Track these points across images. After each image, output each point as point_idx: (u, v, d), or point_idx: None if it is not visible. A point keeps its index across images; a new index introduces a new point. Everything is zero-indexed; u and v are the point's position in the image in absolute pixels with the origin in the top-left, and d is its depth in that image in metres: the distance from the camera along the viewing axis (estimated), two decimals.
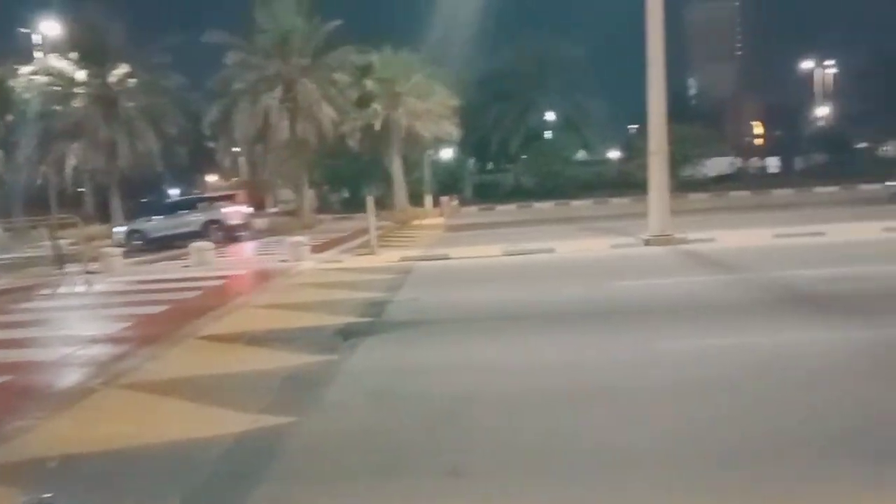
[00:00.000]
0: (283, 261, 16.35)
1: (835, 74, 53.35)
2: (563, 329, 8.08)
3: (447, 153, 46.23)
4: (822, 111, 52.68)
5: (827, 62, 53.68)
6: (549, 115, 48.90)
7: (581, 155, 51.11)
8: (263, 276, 14.51)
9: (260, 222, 29.04)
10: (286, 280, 13.76)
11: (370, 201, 18.14)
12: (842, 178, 36.52)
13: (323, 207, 41.27)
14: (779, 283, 10.15)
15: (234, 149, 37.08)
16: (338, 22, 33.30)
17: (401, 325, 8.81)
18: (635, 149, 35.79)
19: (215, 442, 5.04)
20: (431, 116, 35.66)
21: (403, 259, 15.69)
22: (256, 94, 32.30)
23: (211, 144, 37.87)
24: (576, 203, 37.32)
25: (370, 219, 17.87)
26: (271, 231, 28.10)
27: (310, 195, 36.87)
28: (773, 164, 51.76)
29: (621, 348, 7.05)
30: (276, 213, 35.85)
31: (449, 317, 9.29)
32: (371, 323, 8.95)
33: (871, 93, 48.20)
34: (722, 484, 4.04)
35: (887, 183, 26.76)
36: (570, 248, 15.70)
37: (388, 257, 16.17)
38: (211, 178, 47.44)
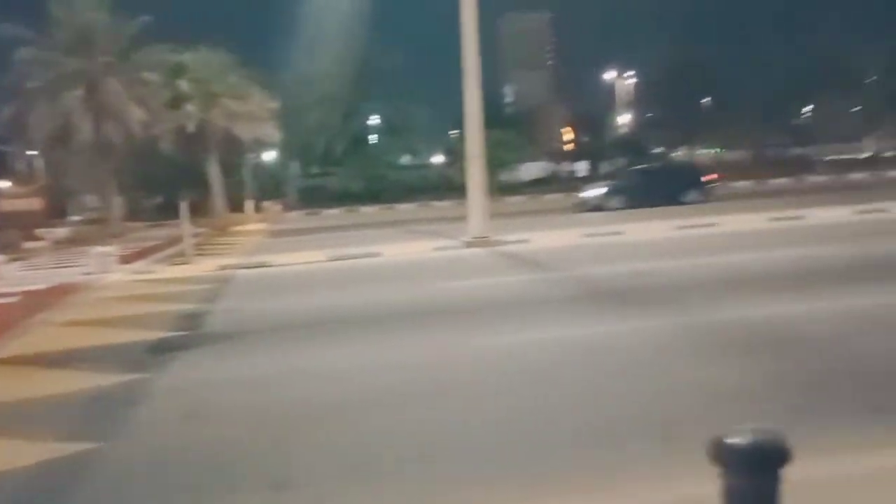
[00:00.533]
0: (87, 273, 15.10)
1: (635, 84, 58.17)
2: (387, 332, 8.15)
3: (269, 156, 45.04)
4: (624, 118, 57.19)
5: (627, 73, 58.41)
6: (374, 120, 49.17)
7: (406, 159, 51.81)
8: (64, 291, 13.32)
9: (60, 232, 26.64)
10: (91, 294, 12.74)
11: (184, 207, 17.23)
12: None
13: (134, 214, 38.58)
14: (587, 280, 10.91)
15: (30, 152, 33.68)
16: (146, 18, 31.31)
17: (220, 337, 8.46)
18: (456, 153, 36.84)
19: (6, 478, 4.55)
20: (250, 118, 34.53)
21: (222, 267, 15.07)
22: (55, 94, 29.58)
23: (4, 148, 34.16)
24: (401, 207, 37.77)
25: (184, 226, 16.99)
26: (74, 241, 25.87)
27: (118, 202, 34.36)
28: (582, 167, 55.43)
29: (445, 347, 7.24)
30: (79, 222, 33.03)
31: (272, 326, 9.05)
32: (187, 337, 8.51)
33: (665, 101, 53.20)
34: (540, 471, 4.25)
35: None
36: (396, 252, 15.88)
37: (206, 266, 15.46)
38: (3, 184, 42.82)
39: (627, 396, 5.46)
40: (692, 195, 24.28)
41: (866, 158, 45.48)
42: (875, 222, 15.90)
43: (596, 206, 24.23)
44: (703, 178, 25.98)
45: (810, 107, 49.82)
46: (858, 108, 47.78)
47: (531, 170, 49.40)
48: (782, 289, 9.07)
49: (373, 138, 49.63)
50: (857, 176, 36.06)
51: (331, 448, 4.81)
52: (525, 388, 5.82)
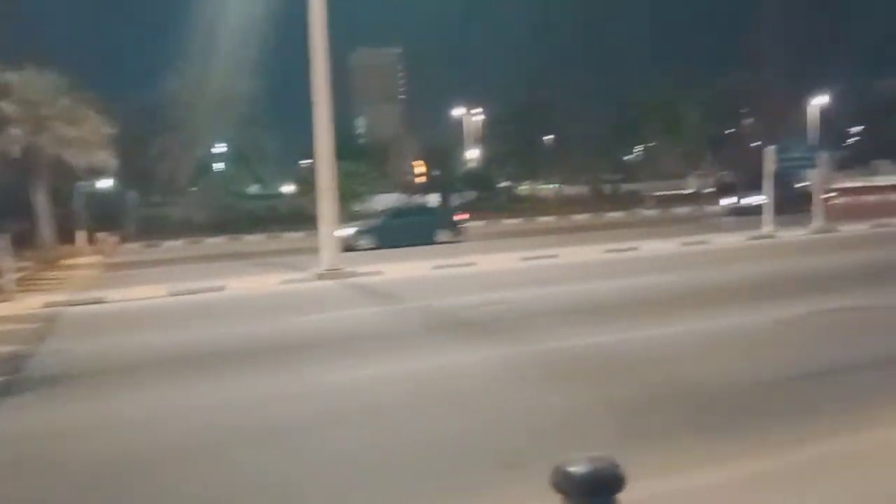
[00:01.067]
0: None
1: (482, 121, 60.30)
2: (228, 370, 7.83)
3: (105, 185, 42.27)
4: (472, 153, 59.01)
5: (475, 110, 60.48)
6: (221, 148, 47.58)
7: (254, 189, 50.41)
8: None
9: None
10: None
11: (4, 239, 15.76)
12: (488, 213, 41.20)
13: None
14: (437, 311, 11.06)
15: None
16: None
17: (45, 381, 7.74)
18: (308, 183, 36.35)
19: None
20: (83, 144, 32.30)
21: (49, 305, 13.88)
22: None
23: None
24: (249, 238, 36.62)
25: (4, 259, 15.54)
26: None
27: None
28: (433, 200, 56.52)
29: (289, 384, 7.05)
30: None
31: (104, 368, 8.40)
32: (6, 382, 7.73)
33: (510, 138, 55.63)
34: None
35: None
36: (241, 286, 15.34)
37: (30, 303, 14.18)
38: None
39: (473, 426, 5.55)
40: (443, 234, 24.55)
41: (689, 194, 49.67)
42: (697, 253, 17.37)
43: (348, 247, 22.99)
44: (455, 218, 26.45)
45: (640, 146, 53.79)
46: (681, 148, 52.24)
47: (384, 201, 49.74)
48: (618, 317, 9.64)
49: (219, 166, 47.98)
50: (681, 210, 39.24)
51: (162, 500, 4.51)
52: (372, 421, 5.77)
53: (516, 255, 17.97)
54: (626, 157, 55.16)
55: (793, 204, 23.91)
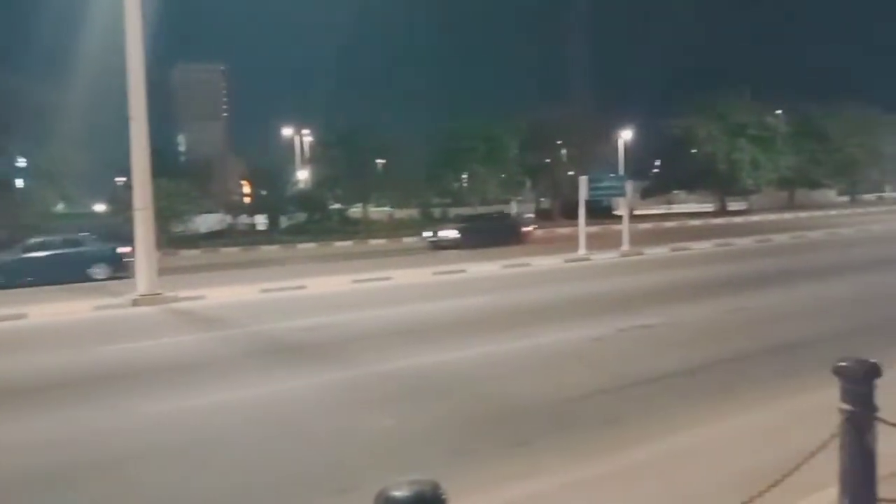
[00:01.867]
0: None
1: (311, 142, 59.64)
2: (36, 405, 7.12)
3: None
4: (302, 174, 58.17)
5: (304, 130, 59.74)
6: (21, 163, 43.37)
7: (60, 207, 46.38)
8: None
9: None
10: None
11: None
12: (319, 235, 40.74)
13: None
14: (264, 336, 10.74)
15: None
16: None
17: None
18: (122, 202, 34.01)
19: None
20: None
21: None
22: None
23: None
24: None
25: None
26: None
27: None
28: (261, 221, 54.96)
29: (104, 418, 6.54)
30: None
31: None
32: None
33: (340, 160, 55.52)
34: None
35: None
36: (46, 312, 14.02)
37: None
38: None
39: (305, 452, 5.46)
40: (105, 270, 21.96)
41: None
42: (519, 275, 18.22)
43: None
44: (118, 251, 22.74)
45: (465, 174, 55.68)
46: (504, 175, 54.80)
47: (208, 222, 47.64)
48: (444, 337, 9.88)
49: (19, 183, 43.67)
50: None
51: None
52: (202, 453, 5.51)
53: (347, 277, 17.89)
54: (454, 183, 56.87)
55: (502, 236, 27.73)
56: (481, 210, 43.00)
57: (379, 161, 54.02)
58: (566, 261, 20.98)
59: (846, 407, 2.98)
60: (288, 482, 4.89)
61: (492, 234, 28.70)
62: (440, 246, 28.60)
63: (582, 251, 22.23)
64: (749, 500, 2.91)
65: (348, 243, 36.24)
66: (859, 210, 52.16)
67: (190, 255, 34.22)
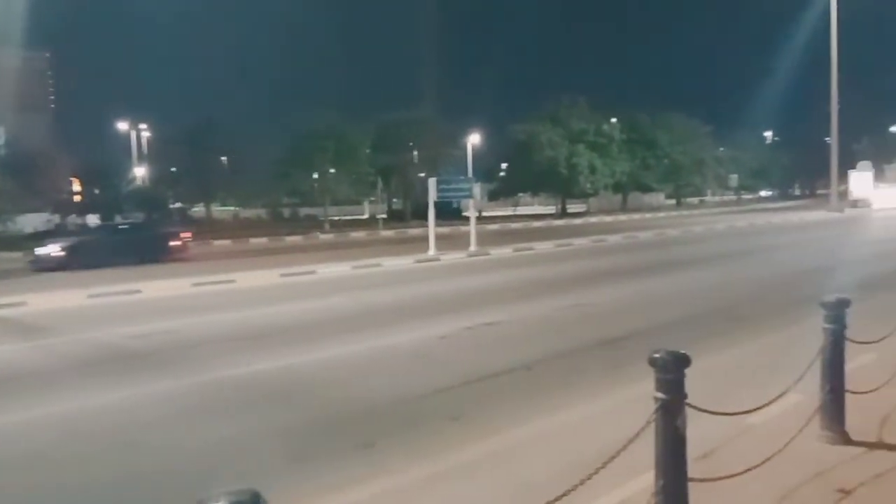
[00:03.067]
0: None
1: (148, 138, 56.39)
2: None
3: None
4: (139, 171, 54.90)
5: (142, 125, 56.37)
6: None
7: None
8: None
9: None
10: None
11: None
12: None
13: None
14: (93, 344, 10.02)
15: None
16: None
17: None
18: None
19: None
20: None
21: None
22: None
23: None
24: None
25: None
26: None
27: None
28: (93, 221, 51.29)
29: None
30: None
31: None
32: None
33: (181, 157, 52.95)
34: None
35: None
36: None
37: None
38: None
39: (141, 465, 5.15)
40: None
41: (366, 219, 52.15)
42: (371, 275, 18.20)
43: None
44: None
45: (316, 173, 54.87)
46: (355, 176, 54.53)
47: (33, 222, 43.74)
48: (290, 341, 9.66)
49: None
50: (358, 234, 40.85)
51: None
52: (29, 470, 5.08)
53: (187, 280, 17.05)
54: (303, 183, 55.91)
55: (140, 251, 22.70)
56: (121, 220, 31.42)
57: (223, 158, 52.09)
58: (416, 261, 21.19)
59: (660, 395, 3.21)
60: (121, 498, 4.59)
61: (121, 249, 22.75)
62: (43, 267, 21.64)
63: (432, 252, 22.55)
64: (572, 487, 3.06)
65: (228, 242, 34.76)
66: (684, 212, 56.78)
67: (10, 257, 31.25)
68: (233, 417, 6.28)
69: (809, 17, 47.24)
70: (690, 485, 3.47)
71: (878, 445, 4.84)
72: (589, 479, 3.12)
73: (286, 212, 56.21)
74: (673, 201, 73.89)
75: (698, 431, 4.36)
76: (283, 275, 18.16)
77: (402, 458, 5.14)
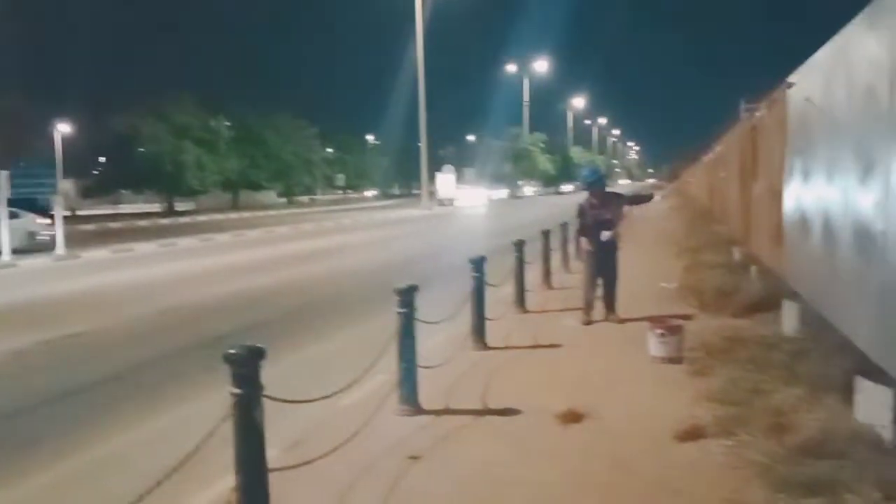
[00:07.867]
0: None
1: None
2: None
3: None
4: None
5: None
6: None
7: None
8: None
9: None
10: None
11: None
12: None
13: None
14: None
15: None
16: None
17: None
18: None
19: None
20: None
21: None
22: None
23: None
24: None
25: None
26: None
27: None
28: None
29: None
30: None
31: None
32: None
33: None
34: None
35: None
36: None
37: None
38: None
39: None
40: None
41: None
42: None
43: None
44: None
45: None
46: None
47: None
48: None
49: None
50: None
51: None
52: None
53: None
54: None
55: None
56: None
57: None
58: None
59: (236, 390, 3.20)
60: None
61: None
62: None
63: (6, 257, 19.47)
64: (147, 490, 2.89)
65: None
66: (295, 210, 58.22)
67: None
68: None
69: (407, 30, 51.63)
70: (275, 474, 3.53)
71: (445, 412, 5.50)
72: (160, 483, 2.97)
73: None
74: (285, 199, 75.25)
75: (291, 422, 4.49)
76: None
77: None
